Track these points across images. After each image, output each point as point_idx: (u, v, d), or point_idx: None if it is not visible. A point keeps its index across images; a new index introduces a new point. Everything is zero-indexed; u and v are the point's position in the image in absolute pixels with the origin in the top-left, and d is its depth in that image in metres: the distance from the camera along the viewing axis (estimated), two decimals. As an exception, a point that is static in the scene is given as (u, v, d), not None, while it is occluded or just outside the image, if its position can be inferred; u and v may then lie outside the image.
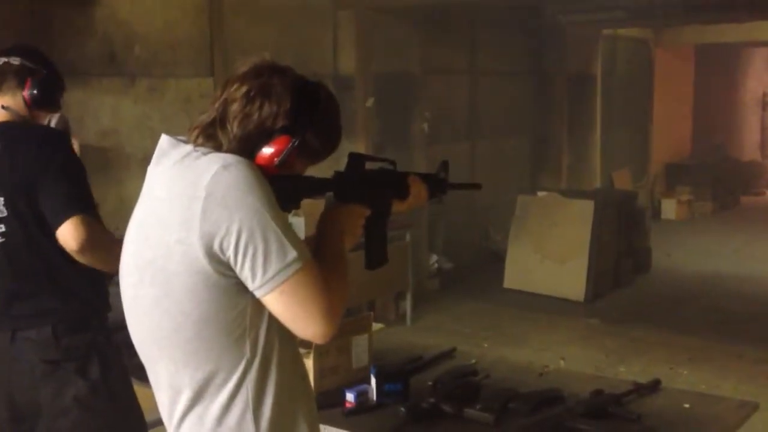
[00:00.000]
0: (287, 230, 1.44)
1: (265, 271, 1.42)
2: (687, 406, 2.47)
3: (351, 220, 1.66)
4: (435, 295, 7.13)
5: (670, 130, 12.28)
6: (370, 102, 6.67)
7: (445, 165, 1.96)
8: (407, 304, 6.42)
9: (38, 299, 2.35)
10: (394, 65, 7.14)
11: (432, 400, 2.36)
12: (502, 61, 8.74)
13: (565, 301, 7.05)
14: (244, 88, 1.53)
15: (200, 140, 1.54)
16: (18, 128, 2.43)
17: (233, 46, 5.83)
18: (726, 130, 13.95)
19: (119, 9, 5.15)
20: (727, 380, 5.20)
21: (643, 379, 2.71)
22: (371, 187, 1.72)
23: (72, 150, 2.46)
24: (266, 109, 1.52)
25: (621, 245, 7.66)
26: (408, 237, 6.39)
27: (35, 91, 2.44)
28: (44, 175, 2.29)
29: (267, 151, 1.52)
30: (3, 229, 2.33)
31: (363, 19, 6.72)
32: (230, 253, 1.41)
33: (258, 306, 1.48)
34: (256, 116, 1.52)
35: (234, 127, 1.51)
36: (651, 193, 11.43)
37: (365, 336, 2.65)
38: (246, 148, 1.52)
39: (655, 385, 2.62)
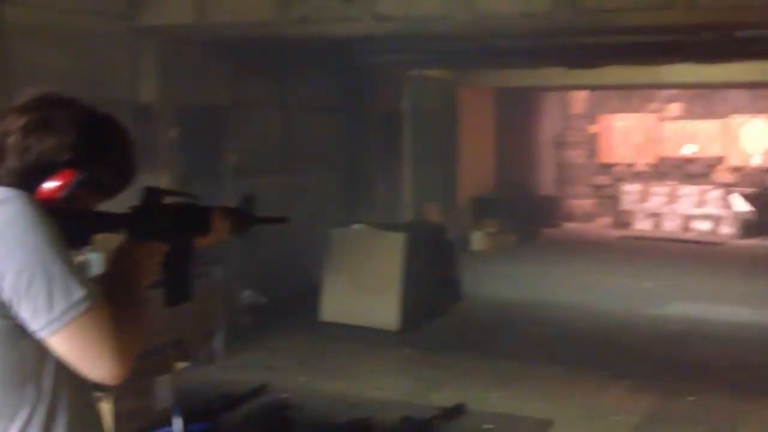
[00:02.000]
0: (72, 268, 1.35)
1: (48, 312, 1.32)
2: (489, 426, 2.52)
3: (146, 257, 1.56)
4: (249, 331, 6.94)
5: (476, 166, 12.91)
6: (173, 133, 6.45)
7: (249, 198, 1.89)
8: (218, 341, 6.20)
9: None
10: (201, 96, 6.97)
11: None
12: (314, 96, 8.80)
13: (381, 331, 7.11)
14: (22, 120, 1.44)
15: None
16: None
17: (20, 72, 5.40)
18: (525, 166, 14.87)
19: None
20: (532, 401, 5.42)
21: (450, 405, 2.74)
22: (169, 223, 1.63)
23: None
24: (47, 142, 1.43)
25: (433, 276, 7.86)
26: (219, 272, 6.18)
27: None
28: None
29: (50, 185, 1.43)
30: None
31: (164, 48, 6.52)
32: (9, 293, 1.31)
33: (41, 349, 1.36)
34: (35, 149, 1.43)
35: (12, 161, 1.42)
36: (460, 225, 11.90)
37: (168, 376, 2.49)
38: (26, 182, 1.42)
39: (459, 409, 2.66)
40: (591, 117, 16.75)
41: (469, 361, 6.42)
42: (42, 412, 1.39)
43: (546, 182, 15.85)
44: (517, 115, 14.36)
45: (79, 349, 1.35)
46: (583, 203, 16.33)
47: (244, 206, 1.85)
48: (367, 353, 6.56)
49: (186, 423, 2.27)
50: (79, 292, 1.34)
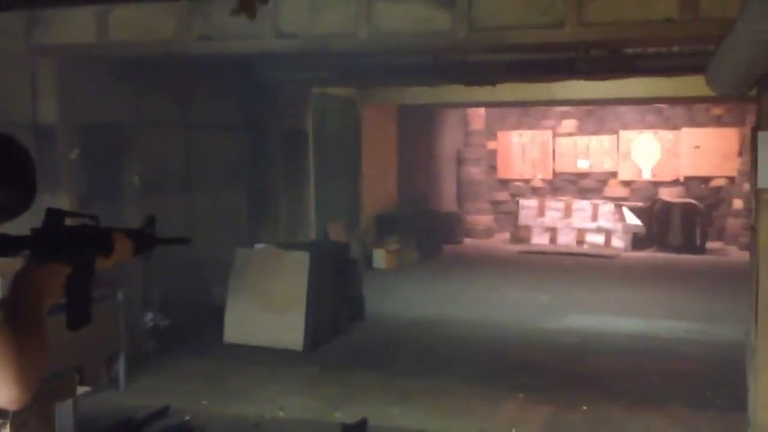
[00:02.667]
0: None
1: None
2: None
3: (49, 280, 1.56)
4: (152, 355, 6.84)
5: (379, 184, 13.08)
6: (74, 153, 6.33)
7: (151, 220, 1.92)
8: (120, 365, 6.08)
9: None
10: (101, 115, 6.85)
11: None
12: (217, 114, 8.77)
13: (286, 351, 7.13)
14: None
15: None
16: None
17: None
18: (427, 183, 15.16)
19: None
20: (431, 416, 5.58)
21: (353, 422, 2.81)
22: (71, 244, 1.63)
23: None
24: None
25: (337, 295, 7.95)
26: (120, 295, 6.08)
27: None
28: None
29: None
30: None
31: (64, 67, 6.39)
32: None
33: None
34: None
35: None
36: (363, 243, 12.03)
37: (69, 402, 2.48)
38: None
39: (362, 425, 2.74)
40: (490, 133, 17.23)
41: (371, 378, 6.52)
42: None
43: (447, 198, 16.19)
44: (418, 132, 14.65)
45: None
46: (483, 219, 16.76)
47: (146, 227, 1.87)
48: (270, 374, 6.57)
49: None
50: None
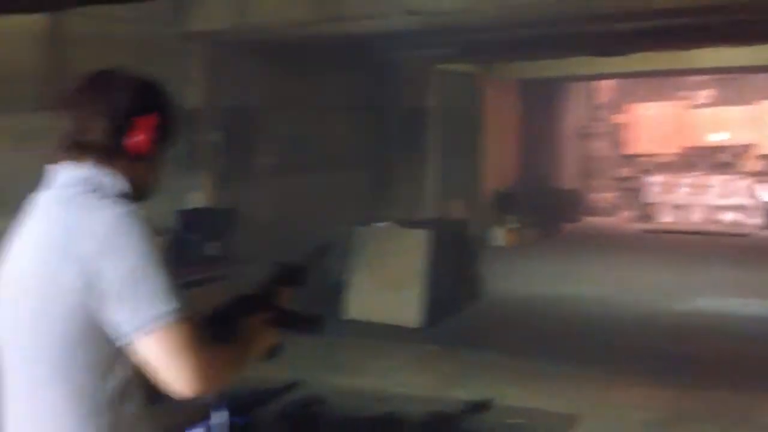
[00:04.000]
0: (169, 281, 1.49)
1: (149, 311, 1.45)
2: (518, 421, 2.64)
3: (264, 335, 1.78)
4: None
5: (499, 160, 12.97)
6: (215, 136, 6.63)
7: (321, 251, 2.03)
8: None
9: None
10: (240, 99, 7.13)
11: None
12: (341, 95, 8.95)
13: (403, 328, 7.25)
14: (88, 94, 1.64)
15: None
16: None
17: (78, 79, 5.63)
18: (548, 160, 14.89)
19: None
20: (554, 397, 5.52)
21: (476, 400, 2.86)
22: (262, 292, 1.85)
23: None
24: (115, 101, 1.62)
25: (455, 273, 7.99)
26: (244, 272, 6.34)
27: None
28: None
29: (134, 138, 1.61)
30: None
31: (210, 52, 6.69)
32: (106, 293, 1.45)
33: (114, 354, 1.50)
34: (110, 109, 1.61)
35: (95, 131, 1.60)
36: (482, 221, 11.99)
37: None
38: (112, 145, 1.60)
39: (488, 403, 2.78)
40: (617, 107, 16.69)
41: (489, 357, 6.53)
42: (103, 416, 1.51)
43: (569, 175, 15.86)
44: (541, 108, 14.38)
45: (166, 354, 1.46)
46: (607, 196, 16.32)
47: (316, 258, 2.00)
48: (389, 350, 6.71)
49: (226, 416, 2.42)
50: (175, 303, 1.47)
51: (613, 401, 5.51)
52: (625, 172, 16.67)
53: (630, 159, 16.72)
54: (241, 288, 1.89)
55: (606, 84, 16.27)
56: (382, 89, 9.50)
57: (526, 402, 5.36)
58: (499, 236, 12.16)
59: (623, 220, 15.74)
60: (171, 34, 6.56)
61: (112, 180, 1.60)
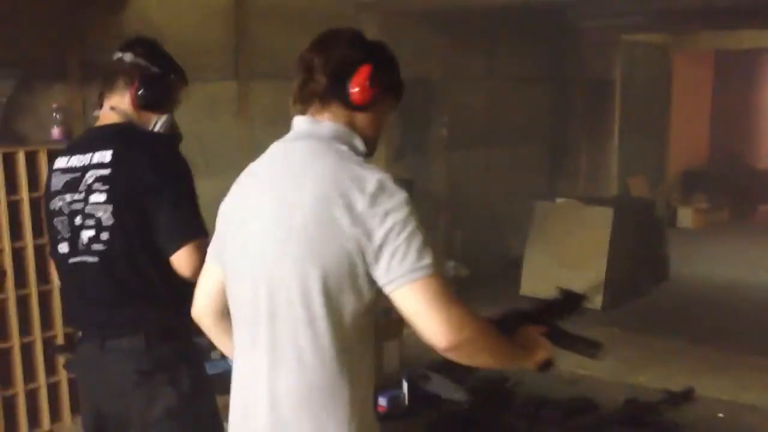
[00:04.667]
0: (426, 237, 1.58)
1: (416, 262, 1.55)
2: (721, 415, 2.47)
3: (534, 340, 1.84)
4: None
5: (688, 137, 12.24)
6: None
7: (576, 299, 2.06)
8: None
9: (130, 309, 2.29)
10: (414, 70, 7.13)
11: (466, 406, 2.37)
12: (521, 66, 8.73)
13: (583, 308, 7.02)
14: (317, 45, 1.79)
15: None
16: (127, 133, 2.35)
17: (258, 50, 5.87)
18: (744, 137, 13.88)
19: (149, 10, 5.17)
20: (747, 390, 5.17)
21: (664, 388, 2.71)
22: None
23: (182, 159, 2.33)
24: (340, 49, 1.76)
25: (639, 253, 7.64)
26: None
27: (142, 91, 2.36)
28: (156, 191, 2.22)
29: (356, 87, 1.70)
30: (106, 238, 2.25)
31: (385, 23, 6.74)
32: (379, 246, 1.56)
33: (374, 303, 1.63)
34: (334, 55, 1.74)
35: (320, 76, 1.73)
36: (668, 200, 11.39)
37: (396, 341, 2.67)
38: (335, 90, 1.72)
39: (688, 394, 2.62)
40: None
41: (674, 343, 6.19)
42: (359, 351, 1.64)
43: (765, 154, 14.71)
44: (737, 81, 13.39)
45: (425, 303, 1.55)
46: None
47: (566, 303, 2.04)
48: (569, 330, 6.50)
49: (412, 387, 2.43)
50: (433, 258, 1.57)
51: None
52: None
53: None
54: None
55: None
56: (565, 60, 9.18)
57: (715, 393, 5.04)
58: (686, 217, 11.49)
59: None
60: (348, 4, 6.63)
61: (352, 134, 1.72)
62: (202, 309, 1.92)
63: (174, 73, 2.47)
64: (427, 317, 1.55)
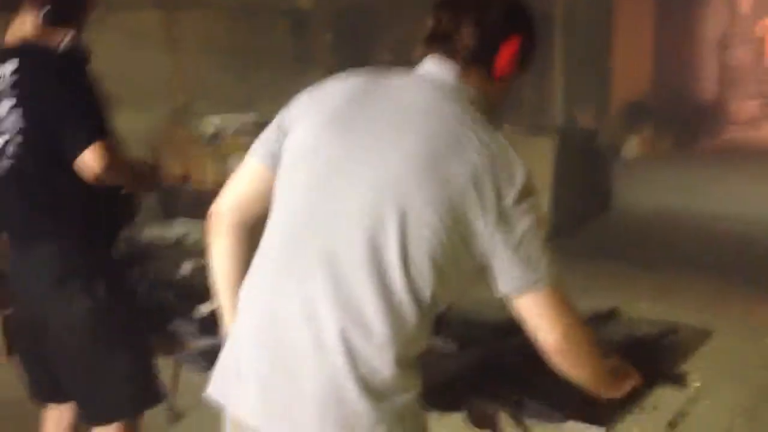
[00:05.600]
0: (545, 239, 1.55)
1: (536, 272, 1.53)
2: (649, 332, 2.46)
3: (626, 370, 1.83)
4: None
5: (631, 69, 12.27)
6: (327, 36, 6.52)
7: None
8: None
9: (43, 215, 2.35)
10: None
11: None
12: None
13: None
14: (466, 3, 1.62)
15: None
16: (33, 51, 2.37)
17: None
18: (685, 69, 13.99)
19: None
20: (687, 313, 5.21)
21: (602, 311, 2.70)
22: None
23: (84, 71, 2.34)
24: (492, 13, 1.61)
25: (583, 183, 7.65)
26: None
27: (48, 7, 2.36)
28: (55, 98, 2.26)
29: (503, 57, 1.60)
30: (20, 140, 2.30)
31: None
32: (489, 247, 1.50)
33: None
34: (488, 20, 1.60)
35: (469, 37, 1.58)
36: (612, 131, 11.44)
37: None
38: (483, 55, 1.59)
39: (611, 314, 2.62)
40: (762, 15, 15.43)
41: (618, 270, 6.25)
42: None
43: (708, 86, 14.88)
44: (676, 14, 13.42)
45: (551, 309, 1.52)
46: (749, 107, 15.24)
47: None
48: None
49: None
50: (553, 265, 1.53)
51: (753, 321, 5.16)
52: (769, 82, 15.50)
53: (776, 69, 15.51)
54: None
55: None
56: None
57: (657, 315, 5.10)
58: (631, 147, 11.57)
59: (766, 132, 14.69)
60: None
61: (481, 100, 1.58)
62: (226, 208, 1.68)
63: None
64: (548, 323, 1.52)
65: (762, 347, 4.79)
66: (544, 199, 7.06)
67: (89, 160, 2.21)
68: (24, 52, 2.36)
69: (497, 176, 1.46)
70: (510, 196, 1.46)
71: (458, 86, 1.56)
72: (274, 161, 1.60)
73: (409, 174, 1.44)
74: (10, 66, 2.33)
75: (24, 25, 2.39)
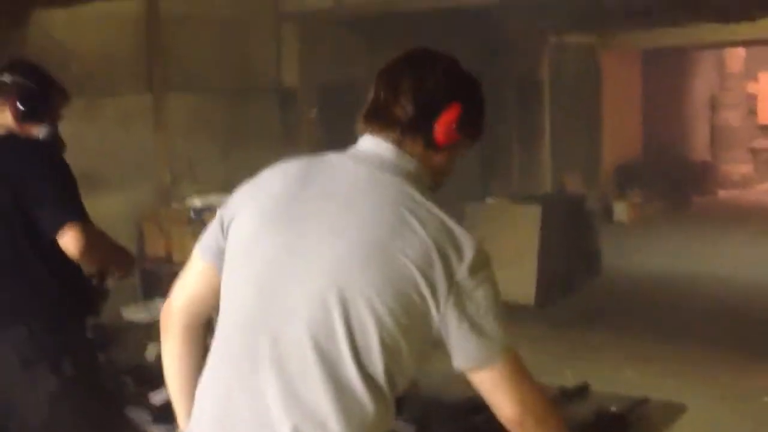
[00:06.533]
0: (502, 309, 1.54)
1: (493, 342, 1.52)
2: (613, 409, 2.45)
3: None
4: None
5: (620, 132, 12.43)
6: (312, 113, 6.66)
7: None
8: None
9: (12, 297, 2.41)
10: (338, 75, 7.11)
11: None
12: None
13: (516, 305, 7.03)
14: (406, 70, 1.61)
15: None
16: (9, 137, 2.53)
17: (173, 61, 5.78)
18: (676, 131, 14.15)
19: (53, 28, 5.06)
20: (666, 379, 5.22)
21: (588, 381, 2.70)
22: None
23: (61, 158, 2.50)
24: (429, 81, 1.58)
25: (571, 249, 7.70)
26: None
27: (21, 106, 2.52)
28: (35, 180, 2.38)
29: (441, 126, 1.55)
30: None
31: (305, 31, 6.72)
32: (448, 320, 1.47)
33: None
34: (425, 89, 1.57)
35: (407, 106, 1.54)
36: (602, 195, 11.54)
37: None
38: (420, 126, 1.55)
39: (582, 390, 2.60)
40: (750, 75, 15.65)
41: (604, 337, 6.23)
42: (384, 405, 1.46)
43: (699, 146, 15.01)
44: (666, 77, 13.65)
45: (504, 380, 1.49)
46: (741, 168, 15.35)
47: None
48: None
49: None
50: (508, 337, 1.50)
51: (735, 386, 5.14)
52: (759, 143, 15.62)
53: (765, 129, 15.65)
54: None
55: (737, 52, 15.25)
56: (492, 61, 9.23)
57: (634, 386, 5.09)
58: (620, 211, 11.64)
59: (760, 193, 14.76)
60: (267, 13, 6.60)
61: (422, 171, 1.55)
62: (177, 308, 1.66)
63: (52, 88, 2.63)
64: (506, 396, 1.48)
65: (748, 413, 4.77)
66: (530, 267, 7.12)
67: (66, 242, 2.30)
68: (3, 140, 2.51)
69: (444, 253, 1.42)
70: (460, 271, 1.43)
71: (397, 161, 1.52)
72: (219, 258, 1.58)
73: (351, 262, 1.41)
74: None
75: (2, 118, 2.55)
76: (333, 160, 1.57)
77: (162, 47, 5.75)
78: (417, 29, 8.03)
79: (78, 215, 2.36)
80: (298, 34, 6.69)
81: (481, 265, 1.46)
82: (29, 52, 4.94)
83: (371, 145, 1.55)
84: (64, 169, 2.46)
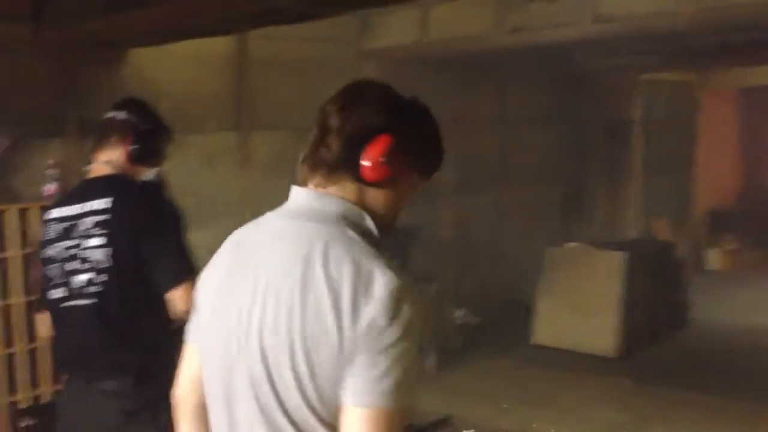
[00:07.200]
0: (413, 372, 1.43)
1: (376, 384, 1.37)
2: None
3: None
4: (460, 352, 6.92)
5: (715, 176, 11.95)
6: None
7: None
8: (431, 359, 6.26)
9: (120, 352, 2.44)
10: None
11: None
12: (533, 108, 8.63)
13: (596, 357, 6.80)
14: (339, 102, 1.52)
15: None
16: (123, 182, 2.54)
17: (259, 100, 5.89)
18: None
19: (146, 67, 5.22)
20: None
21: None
22: None
23: (173, 204, 2.53)
24: (363, 111, 1.49)
25: (657, 298, 7.40)
26: (433, 289, 6.27)
27: (136, 146, 2.55)
28: (153, 233, 2.40)
29: (369, 157, 1.45)
30: (103, 279, 2.41)
31: (387, 70, 6.72)
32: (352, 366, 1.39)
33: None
34: (352, 120, 1.48)
35: (334, 139, 1.48)
36: (694, 242, 11.09)
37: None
38: (348, 158, 1.47)
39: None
40: None
41: (691, 395, 5.93)
42: None
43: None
44: (766, 117, 13.08)
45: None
46: None
47: None
48: (577, 380, 6.30)
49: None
50: (410, 398, 1.36)
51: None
52: None
53: None
54: None
55: None
56: (579, 101, 9.06)
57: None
58: (713, 259, 11.17)
59: None
60: (350, 52, 6.65)
61: (362, 214, 1.47)
62: (183, 393, 1.69)
63: (162, 128, 2.68)
64: None
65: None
66: (613, 317, 6.87)
67: (181, 295, 2.34)
68: (115, 187, 2.49)
69: (353, 292, 1.34)
70: (366, 312, 1.33)
71: (313, 205, 1.46)
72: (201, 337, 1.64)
73: (277, 340, 1.38)
74: (102, 202, 2.46)
75: (112, 158, 2.56)
76: (269, 223, 1.52)
77: (250, 86, 5.85)
78: (505, 68, 7.97)
79: (190, 272, 2.37)
80: (381, 73, 6.70)
81: (393, 306, 1.35)
82: (125, 90, 5.11)
83: (292, 193, 1.52)
84: (178, 219, 2.49)
